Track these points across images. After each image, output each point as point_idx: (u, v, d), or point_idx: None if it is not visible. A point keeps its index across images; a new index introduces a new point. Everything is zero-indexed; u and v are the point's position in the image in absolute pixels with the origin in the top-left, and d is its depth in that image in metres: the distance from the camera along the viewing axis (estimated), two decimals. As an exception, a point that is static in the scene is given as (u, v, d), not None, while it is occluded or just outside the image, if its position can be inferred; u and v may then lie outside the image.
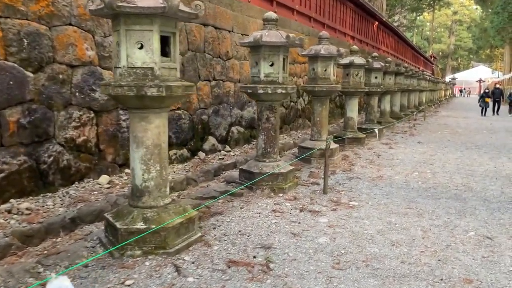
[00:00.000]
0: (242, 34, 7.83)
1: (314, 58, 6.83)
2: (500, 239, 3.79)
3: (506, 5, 32.69)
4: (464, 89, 61.68)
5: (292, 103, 9.99)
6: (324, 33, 6.90)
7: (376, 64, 10.49)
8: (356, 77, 8.78)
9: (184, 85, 3.26)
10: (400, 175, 6.35)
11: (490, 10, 44.30)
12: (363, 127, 10.80)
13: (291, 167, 5.36)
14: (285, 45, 4.89)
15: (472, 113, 21.21)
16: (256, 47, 5.02)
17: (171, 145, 5.84)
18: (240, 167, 5.38)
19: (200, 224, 3.77)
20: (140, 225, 3.13)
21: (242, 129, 7.62)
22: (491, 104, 20.56)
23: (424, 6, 43.56)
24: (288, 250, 3.37)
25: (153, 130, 3.26)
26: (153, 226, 3.11)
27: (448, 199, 5.09)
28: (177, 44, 3.38)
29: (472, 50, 75.37)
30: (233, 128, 7.39)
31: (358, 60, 8.67)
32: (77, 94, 4.60)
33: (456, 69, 78.89)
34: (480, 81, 61.61)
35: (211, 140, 6.74)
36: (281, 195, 4.95)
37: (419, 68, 32.67)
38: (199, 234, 3.51)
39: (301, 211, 4.39)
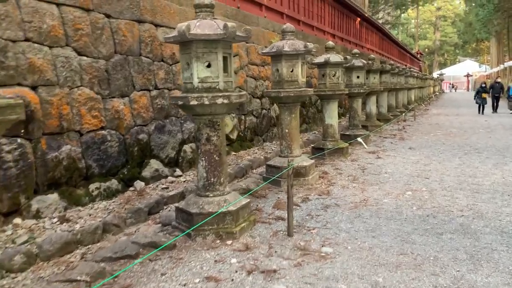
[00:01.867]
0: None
1: (277, 57, 5.55)
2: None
3: (491, -3, 31.88)
4: (451, 84, 60.97)
5: (264, 111, 8.70)
6: (288, 25, 5.62)
7: (358, 62, 9.26)
8: (333, 77, 7.51)
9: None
10: (390, 197, 5.07)
11: (473, 4, 43.66)
12: (347, 133, 9.55)
13: (245, 201, 4.04)
14: (223, 38, 3.59)
15: (464, 110, 20.07)
16: (185, 44, 3.72)
17: (91, 177, 4.51)
18: (176, 205, 4.05)
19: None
20: None
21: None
22: (489, 100, 18.35)
23: (408, 2, 42.67)
24: None
25: None
26: None
27: (453, 234, 3.82)
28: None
29: (458, 45, 75.23)
30: (186, 147, 6.07)
31: (335, 58, 7.41)
32: None
33: (443, 65, 78.42)
34: (468, 75, 61.04)
35: (154, 164, 5.42)
36: (229, 242, 3.64)
37: (406, 66, 31.64)
38: None
39: (249, 273, 3.07)
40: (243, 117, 7.81)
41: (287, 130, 5.72)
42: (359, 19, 19.28)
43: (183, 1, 6.44)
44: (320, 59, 7.47)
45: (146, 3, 5.57)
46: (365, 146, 7.82)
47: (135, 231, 4.05)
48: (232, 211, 3.74)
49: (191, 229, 3.61)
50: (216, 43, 3.65)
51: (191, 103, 3.58)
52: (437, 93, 41.20)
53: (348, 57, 7.38)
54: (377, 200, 4.97)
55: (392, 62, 15.79)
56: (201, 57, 3.66)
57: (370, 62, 10.69)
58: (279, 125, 5.78)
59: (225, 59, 3.79)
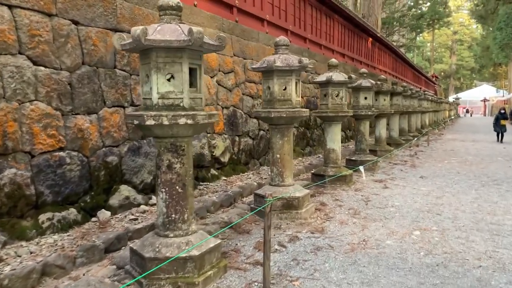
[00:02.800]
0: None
1: (268, 73, 4.92)
2: None
3: (509, 21, 31.10)
4: (466, 109, 59.58)
5: (262, 132, 8.05)
6: (282, 38, 5.00)
7: (365, 83, 8.59)
8: (336, 98, 6.85)
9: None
10: (394, 238, 4.33)
11: (491, 29, 42.82)
12: (353, 158, 8.84)
13: (214, 243, 3.34)
14: (188, 46, 2.96)
15: (481, 136, 19.15)
16: (144, 52, 3.10)
17: (42, 206, 3.87)
18: (131, 245, 3.36)
19: None
20: None
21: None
22: (509, 127, 17.03)
23: (423, 25, 42.07)
24: None
25: None
26: None
27: (469, 294, 3.06)
28: None
29: (474, 69, 74.28)
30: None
31: (338, 76, 6.75)
32: None
33: (459, 89, 77.37)
34: (484, 100, 59.84)
35: (125, 190, 4.76)
36: (188, 297, 2.94)
37: (420, 88, 30.86)
38: None
39: None
40: (237, 138, 7.16)
41: (278, 156, 5.04)
42: (370, 39, 18.68)
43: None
44: (322, 77, 6.83)
45: (124, 10, 5.01)
46: (363, 177, 7.06)
47: (83, 275, 3.38)
48: (194, 256, 3.05)
49: (141, 276, 2.92)
50: (181, 51, 3.02)
51: (147, 123, 2.94)
52: (453, 118, 40.19)
53: (353, 76, 6.73)
54: (378, 241, 4.23)
55: (405, 84, 15.07)
56: (162, 68, 3.03)
57: (379, 82, 10.02)
58: (270, 149, 5.11)
59: (192, 71, 3.16)
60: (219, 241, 3.42)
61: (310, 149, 10.30)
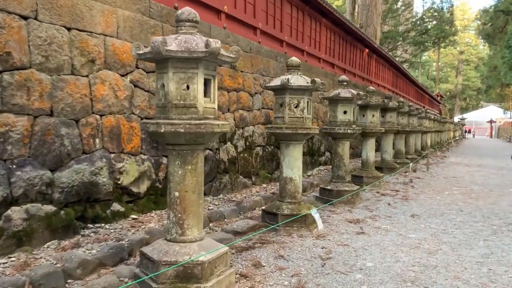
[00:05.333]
0: (69, 29, 4.21)
1: (161, 63, 3.14)
2: None
3: (519, 38, 29.45)
4: (468, 129, 57.00)
5: (208, 151, 6.23)
6: (186, 10, 3.21)
7: (344, 93, 6.80)
8: (295, 109, 5.05)
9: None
10: None
11: (498, 48, 41.13)
12: (328, 187, 7.01)
13: None
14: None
15: (488, 160, 17.22)
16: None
17: None
18: None
19: None
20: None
21: (50, 208, 3.82)
22: None
23: (428, 42, 40.39)
24: None
25: None
26: None
27: None
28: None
29: (481, 89, 72.83)
30: (17, 209, 3.59)
31: (298, 80, 4.97)
32: None
33: (464, 109, 75.54)
34: (491, 121, 57.92)
35: None
36: None
37: (424, 107, 29.06)
38: None
39: None
40: (164, 159, 5.35)
41: (177, 194, 3.21)
42: (367, 50, 16.93)
43: None
44: (276, 81, 5.05)
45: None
46: (319, 226, 5.11)
47: None
48: None
49: None
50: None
51: None
52: (457, 138, 38.25)
53: (318, 80, 4.94)
54: None
55: (402, 100, 13.28)
56: None
57: (362, 93, 8.22)
58: (168, 183, 3.29)
59: None
60: None
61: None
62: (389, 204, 6.96)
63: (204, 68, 3.10)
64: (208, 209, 5.57)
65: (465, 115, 59.46)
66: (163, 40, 2.89)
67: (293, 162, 5.15)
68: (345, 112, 6.91)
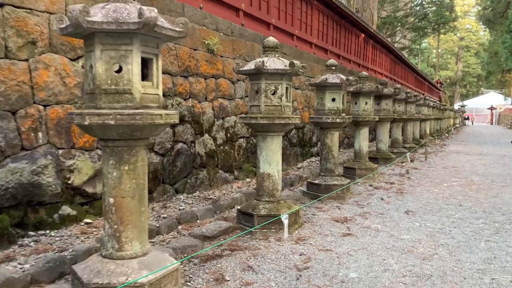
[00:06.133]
0: (1, 5, 3.61)
1: (87, 40, 2.55)
2: None
3: (520, 22, 28.67)
4: (466, 117, 55.49)
5: (180, 145, 5.63)
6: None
7: (333, 78, 6.20)
8: (272, 96, 4.46)
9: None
10: None
11: (499, 33, 40.29)
12: (315, 181, 6.44)
13: None
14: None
15: (489, 148, 16.62)
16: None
17: None
18: None
19: None
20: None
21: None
22: None
23: (427, 27, 39.48)
24: None
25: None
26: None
27: None
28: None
29: (481, 76, 72.11)
30: None
31: (275, 63, 4.37)
32: None
33: (465, 96, 74.73)
34: (491, 108, 57.20)
35: None
36: None
37: (423, 94, 28.39)
38: None
39: None
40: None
41: (111, 200, 2.64)
42: (363, 35, 16.25)
43: None
44: (250, 65, 4.45)
45: None
46: (285, 234, 4.48)
47: None
48: None
49: None
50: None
51: None
52: (458, 126, 37.62)
53: (297, 62, 4.33)
54: None
55: (399, 86, 12.66)
56: None
57: (359, 80, 7.61)
58: (102, 187, 2.71)
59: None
60: None
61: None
62: (382, 199, 6.40)
63: (141, 45, 2.50)
64: (179, 209, 5.00)
65: (465, 102, 58.69)
66: (83, 9, 2.29)
67: (271, 156, 4.57)
68: (333, 100, 6.32)
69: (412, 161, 11.03)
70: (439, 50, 70.78)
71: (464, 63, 73.56)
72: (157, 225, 4.34)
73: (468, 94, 77.86)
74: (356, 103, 8.14)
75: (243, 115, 4.57)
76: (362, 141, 8.30)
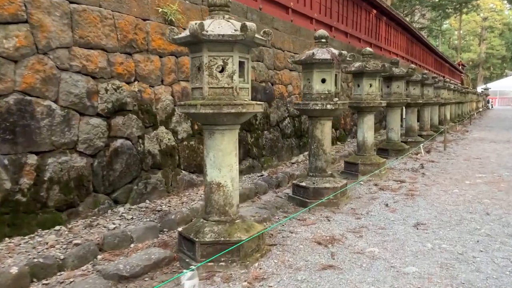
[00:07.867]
0: None
1: None
2: None
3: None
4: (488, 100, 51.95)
5: (120, 141, 4.39)
6: None
7: (322, 53, 4.85)
8: (220, 74, 3.15)
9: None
10: None
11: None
12: (302, 184, 5.15)
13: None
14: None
15: (517, 134, 14.96)
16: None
17: None
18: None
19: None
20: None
21: None
22: None
23: (449, 9, 37.18)
24: None
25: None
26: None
27: None
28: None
29: (506, 57, 69.08)
30: None
31: (221, 27, 3.05)
32: None
33: (488, 79, 71.61)
34: (517, 90, 54.45)
35: None
36: None
37: (443, 77, 26.55)
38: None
39: None
40: (33, 158, 3.54)
41: None
42: (375, 11, 14.68)
43: None
44: (185, 32, 3.14)
45: None
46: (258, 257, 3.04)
47: None
48: None
49: None
50: None
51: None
52: (481, 110, 35.54)
53: (251, 24, 3.03)
54: None
55: (413, 66, 11.13)
56: None
57: (362, 57, 6.21)
58: None
59: None
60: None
61: (251, 163, 6.60)
62: (387, 205, 5.07)
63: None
64: (108, 229, 3.77)
65: (489, 85, 55.95)
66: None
67: (220, 159, 3.29)
68: (323, 81, 4.98)
69: (428, 152, 9.58)
70: (461, 32, 67.74)
71: (488, 45, 70.51)
72: (62, 257, 3.13)
73: (492, 76, 74.69)
74: (358, 86, 6.77)
75: (181, 102, 3.27)
76: (367, 130, 6.93)
